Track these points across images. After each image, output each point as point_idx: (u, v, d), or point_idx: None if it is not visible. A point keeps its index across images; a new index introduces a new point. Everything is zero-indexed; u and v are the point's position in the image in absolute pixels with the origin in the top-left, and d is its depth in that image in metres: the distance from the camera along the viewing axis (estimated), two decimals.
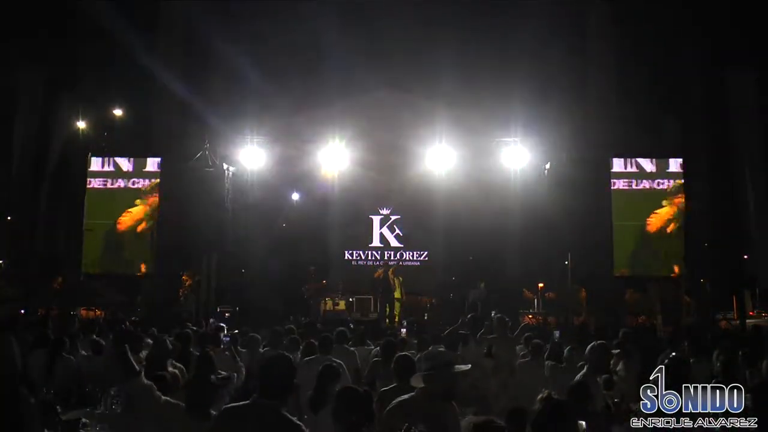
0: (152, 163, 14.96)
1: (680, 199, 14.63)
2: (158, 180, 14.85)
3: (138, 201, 14.89)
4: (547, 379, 6.13)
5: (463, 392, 4.43)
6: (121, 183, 14.92)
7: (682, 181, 14.71)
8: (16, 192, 15.48)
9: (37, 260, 16.09)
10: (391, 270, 16.17)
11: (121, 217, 15.01)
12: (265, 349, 7.21)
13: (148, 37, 16.63)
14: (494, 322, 7.43)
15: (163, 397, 3.69)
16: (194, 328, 9.95)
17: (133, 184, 15.04)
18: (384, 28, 17.97)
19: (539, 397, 3.20)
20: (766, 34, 15.61)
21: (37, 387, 5.77)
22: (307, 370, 5.69)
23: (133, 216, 14.88)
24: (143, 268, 14.68)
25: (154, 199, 14.83)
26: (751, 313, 20.81)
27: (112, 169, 14.88)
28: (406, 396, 3.51)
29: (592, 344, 5.55)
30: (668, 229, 14.49)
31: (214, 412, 3.48)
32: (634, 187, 14.74)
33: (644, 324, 15.08)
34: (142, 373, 3.77)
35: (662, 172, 14.86)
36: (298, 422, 3.04)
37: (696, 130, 14.64)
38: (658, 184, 14.91)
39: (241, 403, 3.09)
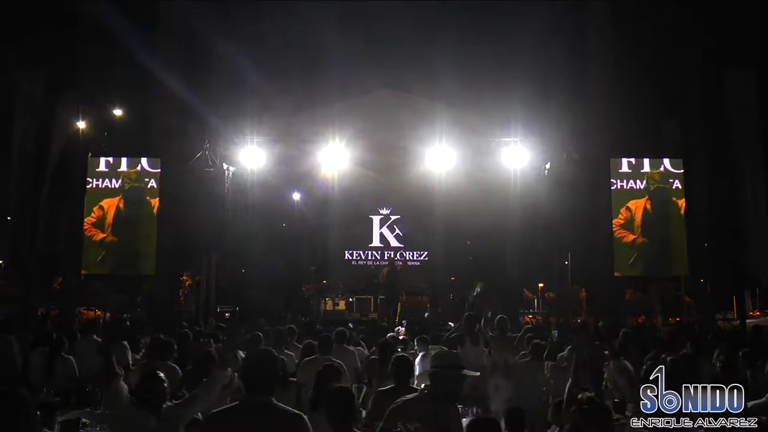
0: (147, 163, 14.84)
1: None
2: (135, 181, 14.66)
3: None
4: (547, 379, 6.13)
5: (464, 393, 4.44)
6: (120, 183, 14.82)
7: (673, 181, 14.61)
8: (16, 192, 15.46)
9: (37, 260, 16.07)
10: (399, 267, 16.07)
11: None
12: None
13: (148, 37, 16.62)
14: (494, 323, 7.45)
15: (127, 401, 3.83)
16: (197, 328, 9.96)
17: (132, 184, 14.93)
18: (384, 28, 17.97)
19: (581, 396, 3.18)
20: (765, 34, 15.61)
21: (37, 387, 5.78)
22: (307, 370, 5.70)
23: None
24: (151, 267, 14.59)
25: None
26: (751, 313, 20.78)
27: (106, 169, 14.79)
28: (410, 396, 3.50)
29: (588, 346, 5.59)
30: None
31: (165, 406, 3.68)
32: (634, 186, 14.65)
33: (644, 324, 15.08)
34: (121, 376, 3.84)
35: (661, 172, 14.80)
36: (297, 411, 3.02)
37: (696, 130, 14.62)
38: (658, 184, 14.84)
39: (229, 405, 3.08)
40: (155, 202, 14.58)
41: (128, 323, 9.74)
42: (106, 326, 9.21)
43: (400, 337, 9.18)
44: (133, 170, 14.68)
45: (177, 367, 5.79)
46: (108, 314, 15.26)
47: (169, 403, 3.76)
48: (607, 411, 2.94)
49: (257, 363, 3.14)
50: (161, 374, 3.88)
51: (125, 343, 7.38)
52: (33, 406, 2.08)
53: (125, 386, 3.83)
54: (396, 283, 15.19)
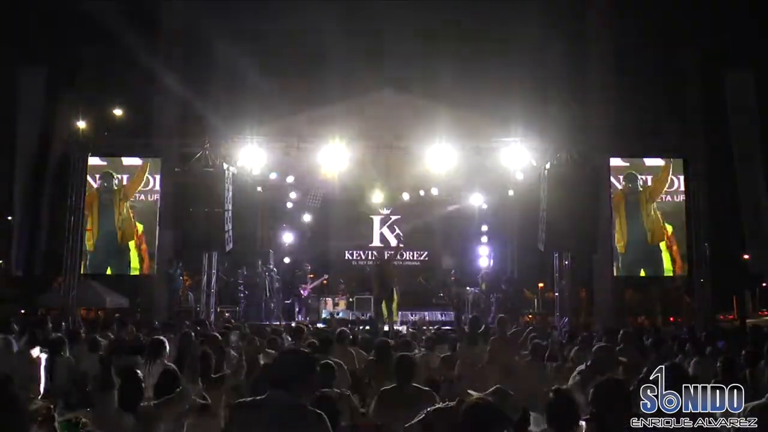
0: (147, 163, 14.80)
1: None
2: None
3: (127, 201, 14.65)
4: (549, 379, 6.11)
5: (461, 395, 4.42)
6: (120, 183, 14.77)
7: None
8: (16, 192, 15.46)
9: (37, 260, 16.06)
10: (390, 256, 15.48)
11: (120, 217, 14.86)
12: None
13: (148, 37, 16.63)
14: (495, 323, 7.44)
15: (114, 408, 3.90)
16: (197, 328, 9.91)
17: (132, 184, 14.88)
18: (384, 27, 17.99)
19: (553, 388, 3.17)
20: (764, 34, 15.61)
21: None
22: None
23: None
24: (146, 268, 14.55)
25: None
26: (759, 313, 20.70)
27: (106, 167, 14.77)
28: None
29: (598, 345, 5.57)
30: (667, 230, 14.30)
31: (142, 405, 3.82)
32: (628, 185, 14.60)
33: (644, 324, 15.07)
34: (115, 386, 3.90)
35: (662, 172, 14.76)
36: (318, 411, 3.02)
37: (696, 130, 14.61)
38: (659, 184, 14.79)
39: (255, 398, 3.09)
40: (155, 201, 14.56)
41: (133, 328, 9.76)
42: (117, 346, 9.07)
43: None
44: (132, 168, 14.66)
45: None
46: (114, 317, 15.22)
47: (148, 403, 3.88)
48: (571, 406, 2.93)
49: (287, 360, 3.15)
50: (139, 373, 3.99)
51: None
52: (24, 406, 2.07)
53: (116, 395, 3.90)
54: (388, 282, 14.57)
